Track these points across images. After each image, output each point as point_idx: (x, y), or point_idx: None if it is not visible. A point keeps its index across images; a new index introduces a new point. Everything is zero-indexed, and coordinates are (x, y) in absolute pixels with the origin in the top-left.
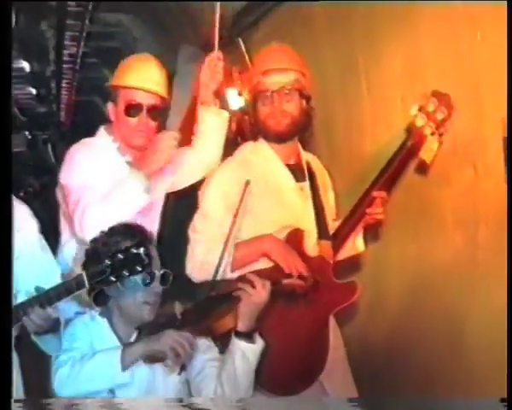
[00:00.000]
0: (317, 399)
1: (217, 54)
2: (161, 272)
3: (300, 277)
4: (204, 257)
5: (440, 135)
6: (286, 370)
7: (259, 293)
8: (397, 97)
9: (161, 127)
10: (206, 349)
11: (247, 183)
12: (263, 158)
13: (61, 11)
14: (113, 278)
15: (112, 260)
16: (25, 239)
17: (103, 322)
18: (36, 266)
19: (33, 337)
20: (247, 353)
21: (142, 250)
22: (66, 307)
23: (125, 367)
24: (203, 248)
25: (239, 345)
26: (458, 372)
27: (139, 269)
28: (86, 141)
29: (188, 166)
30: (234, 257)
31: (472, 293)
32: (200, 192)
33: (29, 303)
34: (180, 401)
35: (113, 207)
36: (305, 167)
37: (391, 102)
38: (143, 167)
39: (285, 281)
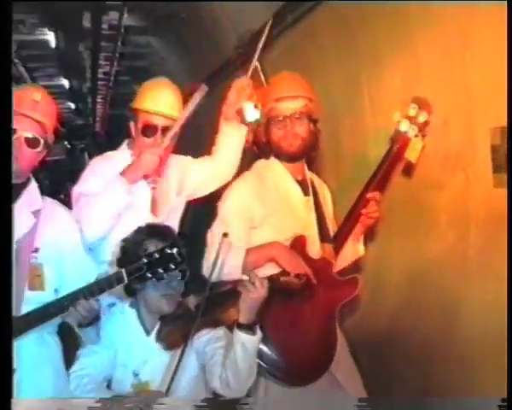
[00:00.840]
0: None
1: (247, 80)
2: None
3: (296, 276)
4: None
5: (423, 136)
6: (300, 363)
7: (258, 289)
8: (396, 110)
9: (175, 145)
10: (216, 339)
11: (225, 235)
12: (276, 174)
13: (97, 34)
14: (149, 275)
15: (148, 258)
16: (68, 239)
17: (132, 313)
18: (78, 264)
19: (77, 330)
20: (246, 343)
21: (175, 250)
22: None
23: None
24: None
25: (239, 336)
26: (452, 353)
27: (173, 267)
28: (108, 154)
29: (207, 173)
30: (244, 261)
31: (463, 285)
32: (220, 202)
33: (75, 295)
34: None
35: (100, 208)
36: (309, 183)
37: (390, 114)
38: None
39: (282, 278)
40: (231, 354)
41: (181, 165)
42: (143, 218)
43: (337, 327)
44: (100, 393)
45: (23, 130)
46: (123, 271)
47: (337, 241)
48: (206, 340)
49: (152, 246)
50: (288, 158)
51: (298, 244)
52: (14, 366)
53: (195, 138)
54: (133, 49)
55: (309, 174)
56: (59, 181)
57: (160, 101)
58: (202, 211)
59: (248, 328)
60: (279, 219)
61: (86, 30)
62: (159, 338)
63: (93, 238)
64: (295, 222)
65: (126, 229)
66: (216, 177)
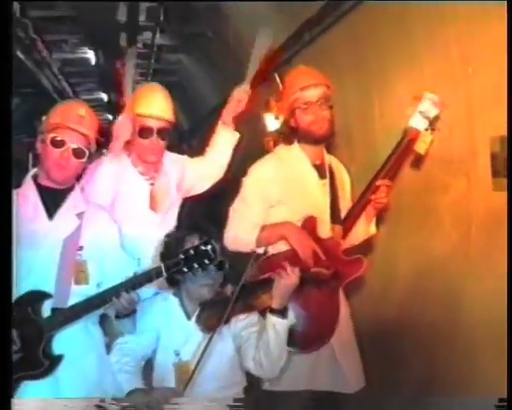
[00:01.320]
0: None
1: (245, 88)
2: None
3: (326, 268)
4: (237, 232)
5: (433, 130)
6: (307, 333)
7: (290, 277)
8: (403, 120)
9: (169, 144)
10: (251, 324)
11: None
12: (294, 158)
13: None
14: (185, 269)
15: (185, 254)
16: (108, 238)
17: (175, 300)
18: (117, 260)
19: (114, 321)
20: (277, 326)
21: (209, 247)
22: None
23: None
24: (237, 225)
25: (272, 320)
26: (455, 340)
27: (207, 262)
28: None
29: (201, 172)
30: (258, 236)
31: (465, 279)
32: (243, 179)
33: (118, 289)
34: None
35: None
36: (326, 167)
37: (398, 124)
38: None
39: (313, 269)
40: (264, 336)
41: (178, 163)
42: (142, 213)
43: (340, 302)
44: (134, 377)
45: (71, 142)
46: (162, 265)
47: (346, 222)
48: (243, 325)
49: (192, 242)
50: (316, 141)
51: (308, 225)
52: (61, 352)
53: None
54: (165, 66)
55: (328, 158)
56: None
57: (154, 105)
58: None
59: (280, 312)
60: (293, 200)
61: (123, 48)
62: (198, 322)
63: None
64: (308, 204)
65: (125, 223)
66: (208, 176)
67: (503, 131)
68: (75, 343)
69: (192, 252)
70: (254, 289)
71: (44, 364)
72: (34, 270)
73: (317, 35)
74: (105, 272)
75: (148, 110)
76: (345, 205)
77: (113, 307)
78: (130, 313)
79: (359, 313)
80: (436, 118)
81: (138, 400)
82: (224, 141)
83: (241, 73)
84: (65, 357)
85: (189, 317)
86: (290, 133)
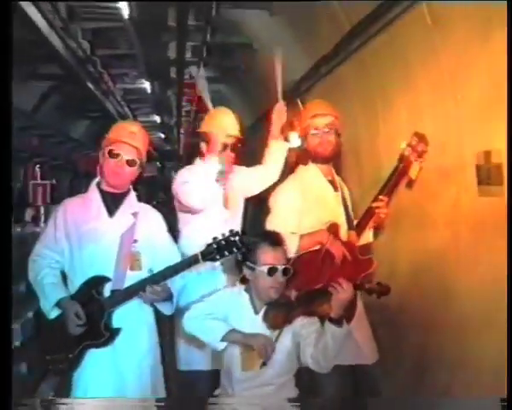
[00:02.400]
0: None
1: (282, 104)
2: (283, 266)
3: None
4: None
5: (421, 161)
6: None
7: (346, 292)
8: (402, 134)
9: (239, 156)
10: (310, 324)
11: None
12: (313, 175)
13: (180, 83)
14: (217, 257)
15: (217, 244)
16: (158, 233)
17: (246, 295)
18: (166, 251)
19: (157, 305)
20: (335, 334)
21: (237, 238)
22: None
23: (222, 340)
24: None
25: (330, 327)
26: (447, 320)
27: (235, 251)
28: (192, 167)
29: (259, 177)
30: (299, 244)
31: (455, 272)
32: (271, 197)
33: (163, 273)
34: None
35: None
36: (337, 182)
37: (397, 137)
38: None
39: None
40: (323, 340)
41: (242, 172)
42: (219, 210)
43: (357, 293)
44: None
45: (124, 153)
46: (198, 254)
47: (358, 229)
48: (302, 325)
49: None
50: (322, 160)
51: (333, 230)
52: (118, 326)
53: (250, 156)
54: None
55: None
56: (152, 191)
57: (225, 123)
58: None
59: (337, 322)
60: (317, 210)
61: (173, 80)
62: (265, 319)
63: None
64: (329, 212)
65: (207, 220)
66: (265, 180)
67: (487, 147)
68: (129, 319)
69: (223, 242)
70: (315, 297)
71: (105, 335)
72: (97, 259)
73: (332, 68)
74: (155, 260)
75: (224, 128)
76: (351, 214)
77: (154, 294)
78: (168, 297)
79: (368, 301)
80: (423, 152)
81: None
82: (277, 151)
83: (269, 98)
84: (121, 331)
85: (256, 312)
86: (304, 154)
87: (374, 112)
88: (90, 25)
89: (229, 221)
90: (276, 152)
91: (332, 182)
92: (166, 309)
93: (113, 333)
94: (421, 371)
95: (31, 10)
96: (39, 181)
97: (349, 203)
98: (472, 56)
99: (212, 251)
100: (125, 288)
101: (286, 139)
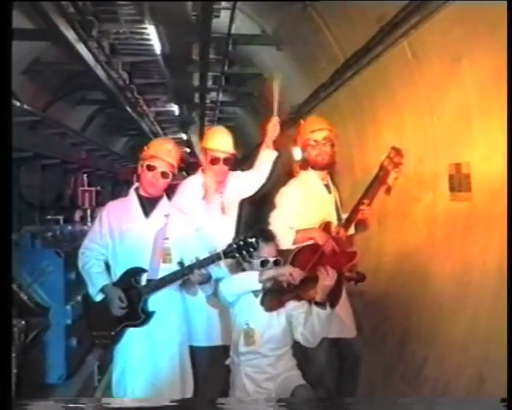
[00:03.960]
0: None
1: (276, 119)
2: (274, 258)
3: (356, 273)
4: (278, 234)
5: (397, 172)
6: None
7: (331, 279)
8: (388, 149)
9: (232, 169)
10: (300, 307)
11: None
12: (311, 179)
13: (203, 106)
14: (237, 255)
15: (237, 244)
16: (185, 232)
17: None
18: (192, 247)
19: (198, 286)
20: (320, 315)
21: (253, 240)
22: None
23: (260, 280)
24: (278, 229)
25: (315, 310)
26: (424, 303)
27: (252, 251)
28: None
29: (249, 182)
30: (294, 238)
31: (431, 263)
32: (277, 196)
33: (192, 267)
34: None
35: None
36: (331, 185)
37: (384, 152)
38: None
39: (346, 274)
40: (310, 320)
41: (238, 176)
42: (216, 216)
43: (342, 281)
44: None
45: (160, 167)
46: (220, 252)
47: (346, 225)
48: (294, 307)
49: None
50: (320, 168)
51: (327, 227)
52: (153, 309)
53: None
54: (225, 115)
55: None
56: None
57: (220, 141)
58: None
59: (322, 305)
60: (314, 210)
61: (196, 104)
62: (262, 303)
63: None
64: (324, 211)
65: (204, 225)
66: (255, 183)
67: (458, 160)
68: (163, 304)
69: (241, 243)
70: (304, 284)
71: (142, 317)
72: (135, 253)
73: (329, 94)
74: (183, 255)
75: (216, 145)
76: (341, 213)
77: (192, 278)
78: (205, 281)
79: (358, 286)
80: (399, 163)
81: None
82: (266, 158)
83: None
84: (153, 315)
85: (256, 296)
86: (304, 162)
87: (364, 131)
88: (128, 59)
89: (225, 222)
90: (266, 159)
91: (327, 186)
92: (206, 290)
93: (148, 315)
94: (402, 345)
95: (80, 47)
96: (86, 188)
97: (339, 204)
98: (445, 85)
99: (232, 250)
100: (159, 278)
101: (291, 157)
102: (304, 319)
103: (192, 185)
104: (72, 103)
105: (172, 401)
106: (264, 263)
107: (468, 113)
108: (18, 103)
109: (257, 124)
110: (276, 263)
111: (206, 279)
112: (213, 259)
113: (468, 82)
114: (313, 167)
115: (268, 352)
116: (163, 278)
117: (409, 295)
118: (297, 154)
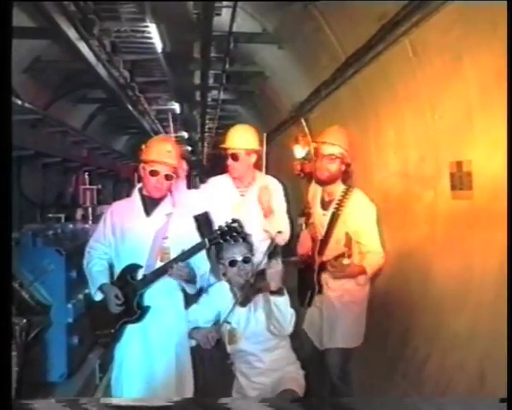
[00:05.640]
0: None
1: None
2: (243, 256)
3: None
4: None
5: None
6: None
7: (276, 266)
8: (389, 147)
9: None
10: (264, 299)
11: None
12: (313, 193)
13: (204, 104)
14: (221, 241)
15: (220, 230)
16: (185, 232)
17: (227, 285)
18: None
19: (183, 284)
20: (277, 303)
21: (236, 224)
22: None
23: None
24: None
25: (272, 299)
26: (425, 300)
27: (235, 235)
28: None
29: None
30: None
31: (432, 260)
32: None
33: (176, 259)
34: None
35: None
36: (333, 202)
37: (385, 149)
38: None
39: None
40: (268, 310)
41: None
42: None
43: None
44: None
45: (163, 171)
46: (206, 239)
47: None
48: (260, 300)
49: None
50: (319, 183)
51: (314, 235)
52: (148, 304)
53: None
54: (226, 113)
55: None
56: None
57: (241, 139)
58: None
59: (277, 293)
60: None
61: (198, 102)
62: (236, 300)
63: None
64: (316, 224)
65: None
66: None
67: (459, 158)
68: (157, 303)
69: (225, 228)
70: (261, 277)
71: (137, 312)
72: (133, 250)
73: (330, 92)
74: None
75: (237, 144)
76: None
77: (175, 275)
78: (190, 279)
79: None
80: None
81: None
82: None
83: (279, 118)
84: (148, 310)
85: (235, 297)
86: (307, 164)
87: (365, 128)
88: (129, 57)
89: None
90: None
91: (327, 202)
92: (190, 289)
93: (143, 311)
94: (403, 344)
95: (81, 45)
96: (88, 186)
97: (338, 223)
98: (446, 83)
99: (216, 236)
100: (151, 272)
101: (292, 156)
102: (266, 315)
103: (222, 184)
104: (73, 102)
105: (170, 401)
106: (232, 263)
107: (470, 111)
108: (19, 102)
109: (258, 122)
110: (246, 260)
111: (191, 278)
112: (200, 247)
113: (469, 80)
114: (314, 181)
115: (252, 348)
116: (156, 271)
117: (410, 293)
118: (298, 152)
